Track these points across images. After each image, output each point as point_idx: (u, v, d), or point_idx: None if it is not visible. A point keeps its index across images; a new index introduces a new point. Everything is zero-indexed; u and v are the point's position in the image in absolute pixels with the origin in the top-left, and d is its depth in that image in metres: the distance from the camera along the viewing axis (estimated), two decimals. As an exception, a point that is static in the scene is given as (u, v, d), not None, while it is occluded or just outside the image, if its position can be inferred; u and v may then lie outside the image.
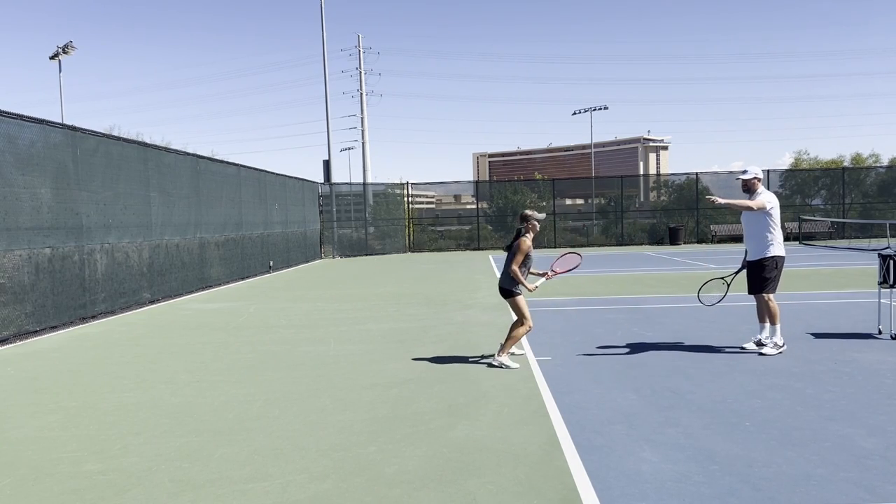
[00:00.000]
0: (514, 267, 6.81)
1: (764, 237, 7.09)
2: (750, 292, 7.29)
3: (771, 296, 7.10)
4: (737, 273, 7.63)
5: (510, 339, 6.91)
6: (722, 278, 7.82)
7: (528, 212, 7.04)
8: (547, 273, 7.28)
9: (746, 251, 7.35)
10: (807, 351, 7.20)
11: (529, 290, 6.90)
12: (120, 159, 12.33)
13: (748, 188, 7.28)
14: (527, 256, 6.86)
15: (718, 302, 8.00)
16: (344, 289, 15.36)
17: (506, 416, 5.19)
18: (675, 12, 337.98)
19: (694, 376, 6.26)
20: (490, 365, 6.92)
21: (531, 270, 7.04)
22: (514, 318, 7.05)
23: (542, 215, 7.11)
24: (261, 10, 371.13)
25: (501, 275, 7.05)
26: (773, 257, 7.07)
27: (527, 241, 6.88)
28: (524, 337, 7.21)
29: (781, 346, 7.11)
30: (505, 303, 7.22)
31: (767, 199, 7.08)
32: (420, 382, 6.34)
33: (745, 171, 7.31)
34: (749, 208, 7.05)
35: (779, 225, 7.14)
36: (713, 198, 7.18)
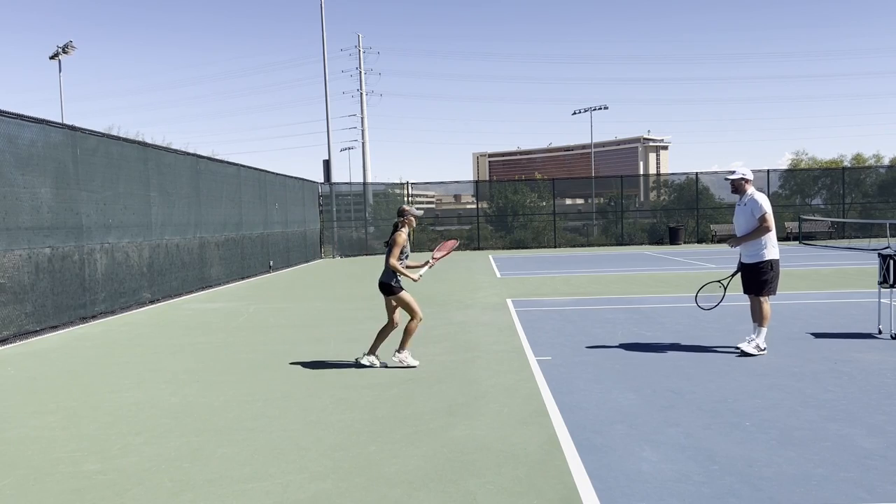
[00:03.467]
0: (394, 261, 6.81)
1: (759, 240, 7.07)
2: (746, 292, 7.28)
3: (766, 298, 7.07)
4: (733, 275, 7.61)
5: (406, 334, 6.94)
6: (719, 281, 7.82)
7: (406, 206, 7.15)
8: (428, 261, 7.24)
9: (741, 252, 7.35)
10: (807, 351, 7.20)
11: (414, 280, 6.90)
12: (120, 159, 12.33)
13: (737, 189, 7.30)
14: (402, 249, 6.90)
15: (716, 306, 8.01)
16: (344, 289, 15.36)
17: (506, 416, 5.19)
18: (676, 12, 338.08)
19: (694, 376, 6.26)
20: (386, 365, 6.99)
21: (409, 264, 7.03)
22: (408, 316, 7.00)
23: (420, 212, 7.22)
24: (261, 10, 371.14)
25: (382, 272, 6.97)
26: (768, 261, 7.05)
27: (402, 234, 6.93)
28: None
29: (763, 349, 7.06)
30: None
31: (766, 207, 7.03)
32: (420, 382, 6.34)
33: (732, 172, 7.36)
34: (766, 231, 6.98)
35: (773, 227, 7.12)
36: (731, 241, 7.29)
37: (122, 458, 4.52)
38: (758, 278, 7.07)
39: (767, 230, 7.02)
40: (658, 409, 5.28)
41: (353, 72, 46.70)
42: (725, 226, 29.93)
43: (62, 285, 10.34)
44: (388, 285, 6.87)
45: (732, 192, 7.37)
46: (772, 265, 7.06)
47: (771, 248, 7.07)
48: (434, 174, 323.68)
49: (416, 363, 6.94)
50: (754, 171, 7.46)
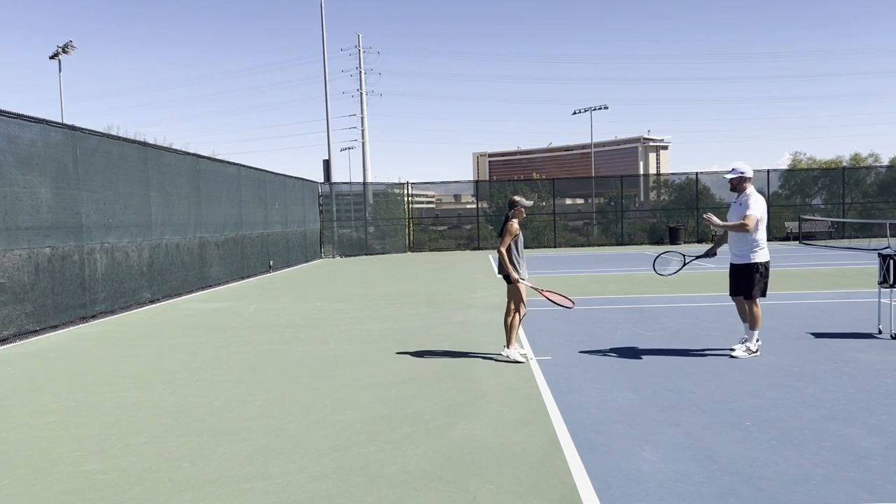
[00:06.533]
0: (502, 248, 6.93)
1: (748, 242, 6.91)
2: (732, 294, 7.17)
3: (756, 301, 6.94)
4: (698, 257, 7.68)
5: (508, 330, 7.04)
6: (682, 255, 7.88)
7: (516, 197, 7.20)
8: (540, 289, 7.25)
9: (714, 241, 7.43)
10: (807, 351, 7.20)
11: (513, 277, 6.93)
12: (120, 159, 12.33)
13: (735, 187, 7.07)
14: (515, 239, 6.98)
15: (675, 273, 8.08)
16: (344, 288, 15.36)
17: (506, 416, 5.19)
18: (675, 12, 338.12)
19: (694, 376, 6.26)
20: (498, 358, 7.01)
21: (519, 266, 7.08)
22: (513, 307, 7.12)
23: (530, 202, 7.26)
24: (261, 10, 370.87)
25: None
26: (757, 263, 6.90)
27: (514, 224, 6.99)
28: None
29: (755, 352, 6.97)
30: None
31: (759, 210, 6.83)
32: (420, 382, 6.34)
33: (731, 170, 7.06)
34: (744, 228, 6.80)
35: (764, 229, 6.93)
36: (710, 216, 7.18)
37: (122, 458, 4.52)
38: (745, 280, 6.96)
39: (745, 229, 6.81)
40: (658, 409, 5.28)
41: (353, 72, 46.71)
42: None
43: (62, 285, 10.34)
44: (507, 274, 6.98)
45: (731, 190, 7.13)
46: (759, 268, 6.90)
47: (760, 251, 6.92)
48: (434, 174, 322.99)
49: (523, 360, 6.96)
50: (754, 171, 7.32)
